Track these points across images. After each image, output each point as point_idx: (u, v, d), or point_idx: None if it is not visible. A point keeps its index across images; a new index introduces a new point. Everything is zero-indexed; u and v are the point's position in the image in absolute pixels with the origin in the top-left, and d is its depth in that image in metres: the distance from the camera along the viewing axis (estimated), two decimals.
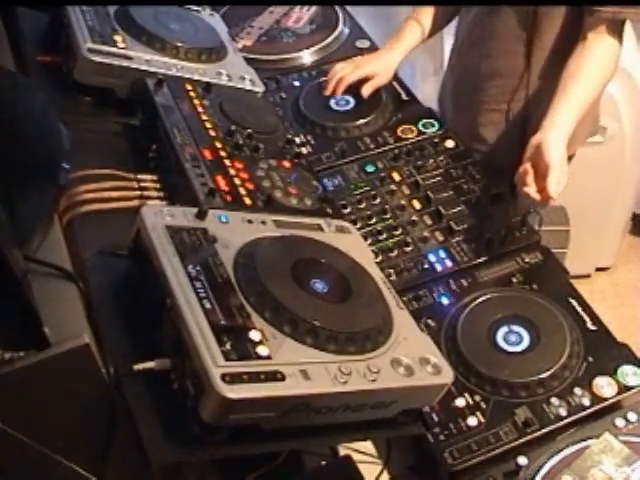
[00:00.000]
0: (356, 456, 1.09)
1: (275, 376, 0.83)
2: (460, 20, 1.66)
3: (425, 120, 1.59)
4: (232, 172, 1.18)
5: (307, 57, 1.78)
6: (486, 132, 1.62)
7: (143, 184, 1.21)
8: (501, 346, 1.18)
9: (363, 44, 1.80)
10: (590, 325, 1.21)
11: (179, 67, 1.39)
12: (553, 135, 1.30)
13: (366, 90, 1.61)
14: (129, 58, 1.33)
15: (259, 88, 1.47)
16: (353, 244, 1.14)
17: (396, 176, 1.48)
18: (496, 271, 1.31)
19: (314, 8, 1.89)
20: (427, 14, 1.67)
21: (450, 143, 1.54)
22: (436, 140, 1.54)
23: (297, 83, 1.70)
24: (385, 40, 1.71)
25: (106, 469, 0.94)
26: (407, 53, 1.66)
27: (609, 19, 1.37)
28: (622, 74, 1.36)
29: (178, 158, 1.16)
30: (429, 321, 1.23)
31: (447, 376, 0.97)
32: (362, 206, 1.42)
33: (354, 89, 1.63)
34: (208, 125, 1.26)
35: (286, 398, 0.83)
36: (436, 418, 1.10)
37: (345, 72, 1.62)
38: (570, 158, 1.58)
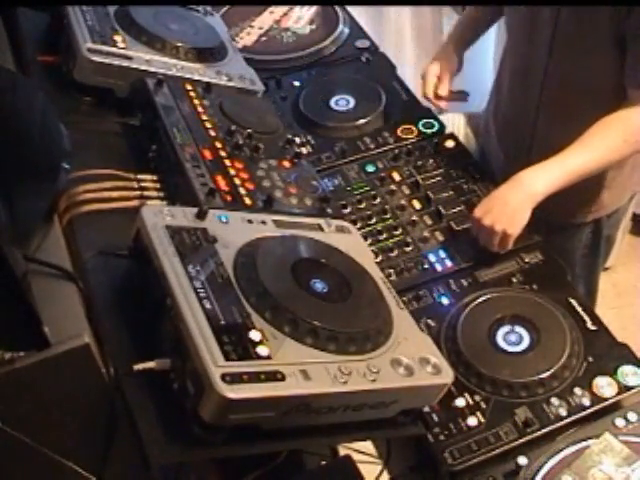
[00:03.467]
0: (356, 456, 1.09)
1: (275, 376, 0.83)
2: None
3: (425, 120, 1.59)
4: (232, 172, 1.18)
5: (307, 57, 1.78)
6: None
7: (143, 184, 1.21)
8: (501, 346, 1.18)
9: (363, 44, 1.80)
10: (590, 325, 1.21)
11: (179, 67, 1.39)
12: (515, 193, 1.28)
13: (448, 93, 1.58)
14: (129, 58, 1.33)
15: (259, 88, 1.47)
16: (353, 244, 1.14)
17: (396, 176, 1.48)
18: (496, 271, 1.31)
19: (314, 8, 1.89)
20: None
21: (450, 143, 1.54)
22: (436, 140, 1.54)
23: (297, 83, 1.70)
24: (385, 40, 1.70)
25: (106, 469, 0.94)
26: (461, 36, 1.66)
27: None
28: None
29: (178, 158, 1.16)
30: (429, 321, 1.23)
31: (447, 376, 0.97)
32: (362, 206, 1.42)
33: (354, 89, 1.63)
34: (208, 125, 1.26)
35: (286, 398, 0.83)
36: (436, 418, 1.10)
37: (439, 90, 1.58)
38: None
